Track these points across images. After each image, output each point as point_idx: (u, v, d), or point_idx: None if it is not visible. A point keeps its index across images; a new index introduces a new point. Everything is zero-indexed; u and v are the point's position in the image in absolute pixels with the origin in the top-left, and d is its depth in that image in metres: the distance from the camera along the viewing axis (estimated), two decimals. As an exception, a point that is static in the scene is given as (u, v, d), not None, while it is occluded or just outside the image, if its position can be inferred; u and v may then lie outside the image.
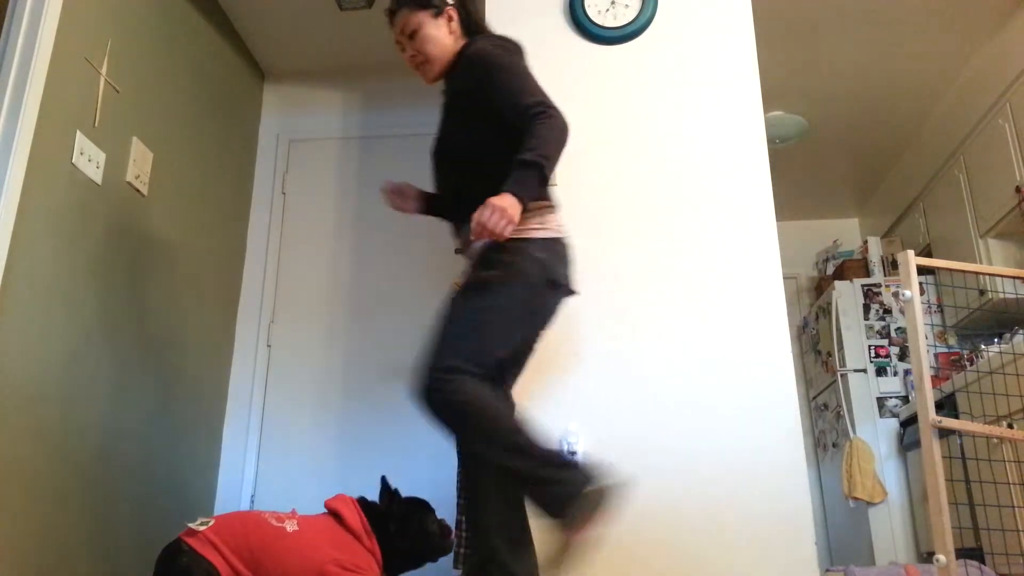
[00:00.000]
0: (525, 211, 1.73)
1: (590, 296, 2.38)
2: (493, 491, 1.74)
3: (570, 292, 1.90)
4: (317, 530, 1.66)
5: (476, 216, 1.69)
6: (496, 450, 1.65)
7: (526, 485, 1.68)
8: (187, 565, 1.53)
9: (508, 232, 1.70)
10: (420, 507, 1.78)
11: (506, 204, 1.68)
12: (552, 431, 2.27)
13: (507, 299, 1.78)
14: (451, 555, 2.36)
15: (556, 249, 1.85)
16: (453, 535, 1.84)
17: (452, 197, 2.00)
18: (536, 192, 1.77)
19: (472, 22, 2.02)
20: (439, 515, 1.94)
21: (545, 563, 1.64)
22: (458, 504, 2.38)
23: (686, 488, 2.19)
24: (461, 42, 1.98)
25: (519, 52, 1.97)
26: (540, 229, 1.83)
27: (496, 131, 1.85)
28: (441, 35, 1.97)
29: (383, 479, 1.77)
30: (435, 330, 1.80)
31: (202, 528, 1.57)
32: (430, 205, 2.13)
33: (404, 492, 2.03)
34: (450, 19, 1.98)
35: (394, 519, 1.72)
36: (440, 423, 1.69)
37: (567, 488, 1.60)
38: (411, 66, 2.01)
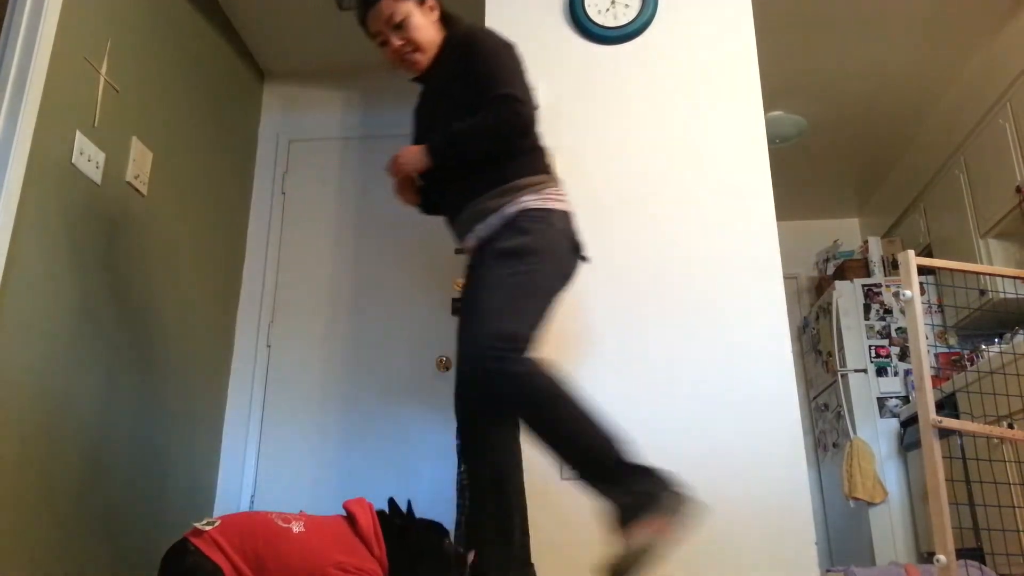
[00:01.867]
0: (432, 160, 1.88)
1: (590, 296, 2.38)
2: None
3: (584, 258, 1.95)
4: (324, 532, 1.65)
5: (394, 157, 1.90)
6: (559, 430, 1.64)
7: (587, 468, 1.64)
8: (192, 565, 1.52)
9: (399, 175, 1.93)
10: (439, 530, 1.77)
11: (410, 154, 1.90)
12: (552, 431, 2.27)
13: (544, 264, 1.79)
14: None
15: (571, 221, 1.90)
16: (469, 563, 1.83)
17: (442, 191, 2.01)
18: (443, 155, 1.88)
19: (447, 15, 2.01)
20: (440, 514, 1.93)
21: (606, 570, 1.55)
22: (458, 504, 2.38)
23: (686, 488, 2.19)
24: (441, 33, 1.97)
25: (512, 46, 1.94)
26: (559, 201, 1.87)
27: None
28: (428, 24, 1.95)
29: (391, 501, 1.76)
30: (473, 304, 1.77)
31: (208, 528, 1.57)
32: (424, 200, 2.11)
33: (405, 492, 2.02)
34: (432, 8, 1.97)
35: (411, 535, 1.71)
36: (497, 405, 1.69)
37: (633, 486, 1.57)
38: (396, 59, 1.97)
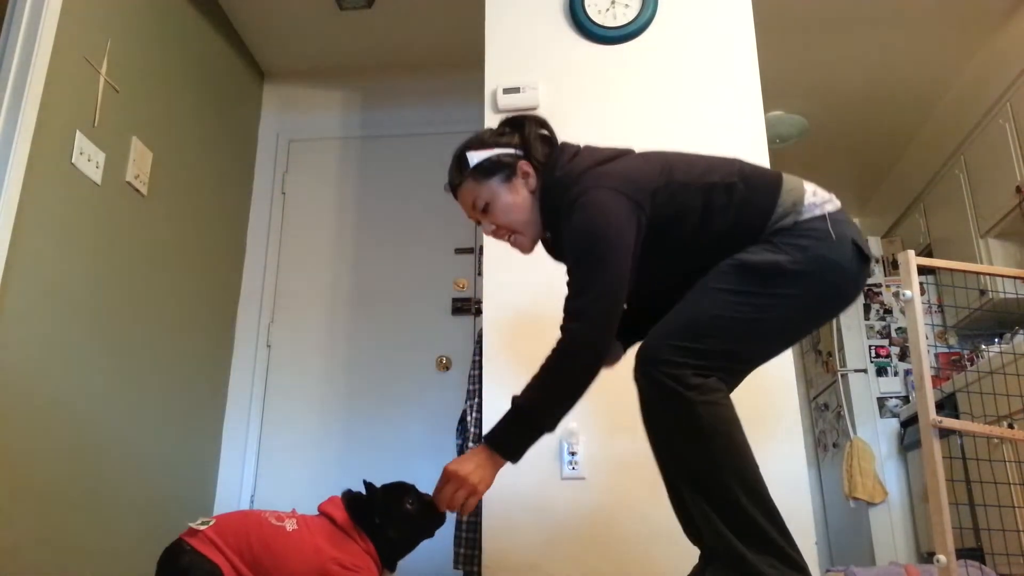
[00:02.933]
0: (513, 460, 1.46)
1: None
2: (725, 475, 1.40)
3: (867, 259, 1.51)
4: (316, 529, 1.66)
5: (436, 489, 1.47)
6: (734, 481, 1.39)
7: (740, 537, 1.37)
8: (189, 565, 1.52)
9: (470, 508, 1.45)
10: (396, 491, 1.78)
11: (465, 471, 1.43)
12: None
13: (800, 292, 1.42)
14: (451, 554, 2.36)
15: (843, 222, 1.47)
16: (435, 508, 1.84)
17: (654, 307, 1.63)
18: (524, 445, 1.45)
19: (540, 158, 1.61)
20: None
21: None
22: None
23: (686, 488, 2.19)
24: (538, 187, 1.59)
25: (604, 214, 1.45)
26: (822, 204, 1.49)
27: (665, 247, 1.50)
28: (521, 199, 1.58)
29: (364, 484, 1.77)
30: (680, 308, 1.46)
31: (203, 528, 1.57)
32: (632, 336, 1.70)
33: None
34: (526, 175, 1.59)
35: (377, 513, 1.72)
36: (676, 430, 1.43)
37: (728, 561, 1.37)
38: (496, 240, 1.67)
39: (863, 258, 1.48)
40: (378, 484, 1.78)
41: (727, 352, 1.45)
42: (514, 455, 1.46)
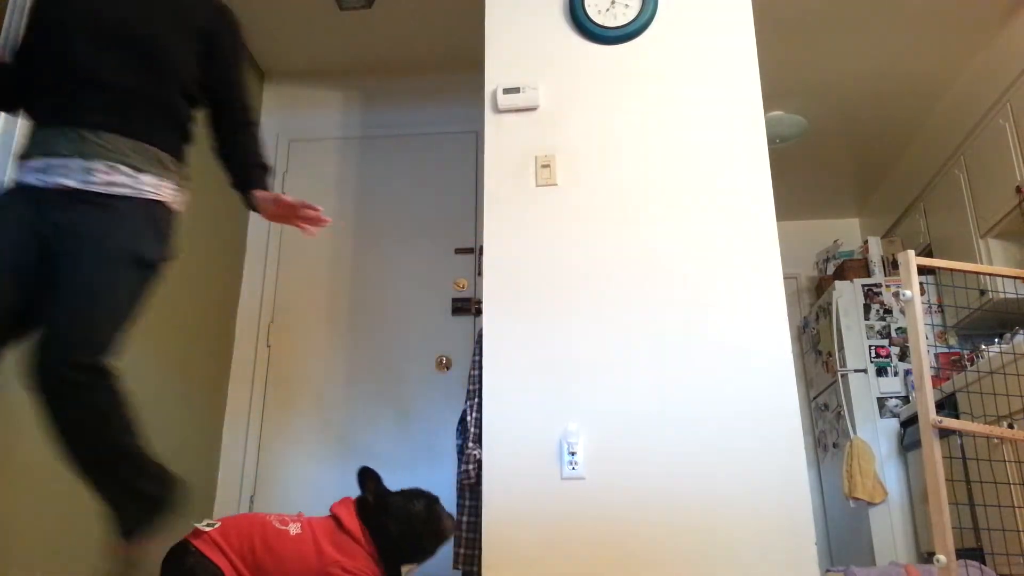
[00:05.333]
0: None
1: (591, 296, 2.38)
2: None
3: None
4: (321, 533, 1.66)
5: (289, 200, 1.86)
6: (114, 448, 1.66)
7: (116, 487, 1.63)
8: (193, 566, 1.53)
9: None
10: (410, 497, 1.77)
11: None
12: (552, 431, 2.27)
13: (152, 279, 1.77)
14: (451, 554, 2.36)
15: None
16: (445, 518, 1.83)
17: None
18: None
19: None
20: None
21: None
22: (458, 505, 2.39)
23: (686, 488, 2.19)
24: None
25: None
26: (178, 203, 1.85)
27: (193, 80, 1.84)
28: None
29: (368, 481, 1.76)
30: (89, 293, 1.64)
31: (208, 529, 1.58)
32: None
33: (404, 492, 2.02)
34: None
35: (385, 515, 1.72)
36: (66, 411, 1.62)
37: (148, 503, 1.60)
38: None
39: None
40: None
41: (128, 324, 1.79)
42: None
